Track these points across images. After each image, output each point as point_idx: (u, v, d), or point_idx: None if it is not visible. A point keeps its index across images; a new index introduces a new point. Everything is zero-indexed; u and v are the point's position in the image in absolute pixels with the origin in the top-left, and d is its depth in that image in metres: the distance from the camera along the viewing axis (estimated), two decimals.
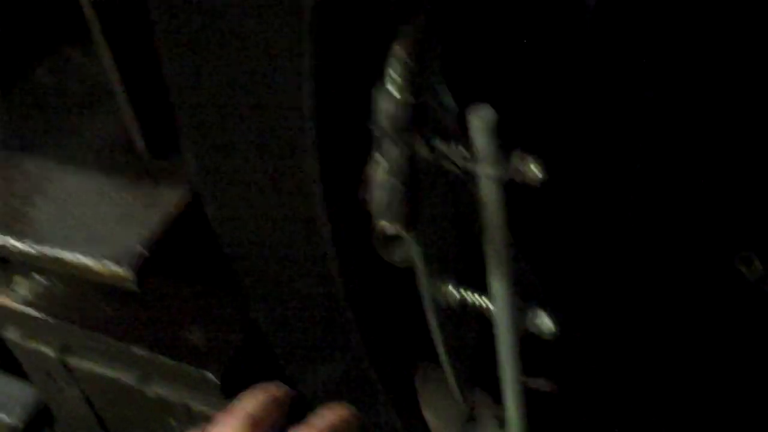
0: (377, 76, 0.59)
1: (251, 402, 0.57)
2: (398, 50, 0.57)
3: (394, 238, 0.60)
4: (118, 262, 0.76)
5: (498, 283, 0.69)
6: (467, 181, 0.64)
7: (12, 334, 1.05)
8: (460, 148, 0.61)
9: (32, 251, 0.81)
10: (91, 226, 0.80)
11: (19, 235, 0.82)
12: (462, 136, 0.61)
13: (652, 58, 0.89)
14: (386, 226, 0.58)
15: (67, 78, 1.00)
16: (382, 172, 0.58)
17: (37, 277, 1.01)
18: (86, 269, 0.78)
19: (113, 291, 0.97)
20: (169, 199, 0.80)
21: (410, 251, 0.63)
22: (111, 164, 0.86)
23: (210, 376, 0.86)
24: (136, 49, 0.71)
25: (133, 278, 0.75)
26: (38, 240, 0.81)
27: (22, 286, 1.01)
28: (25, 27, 1.04)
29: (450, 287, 0.76)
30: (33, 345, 1.03)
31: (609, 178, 0.93)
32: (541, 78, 0.83)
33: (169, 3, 0.62)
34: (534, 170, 0.60)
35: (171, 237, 0.79)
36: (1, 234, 0.83)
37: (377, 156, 0.59)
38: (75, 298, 0.98)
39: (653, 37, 0.86)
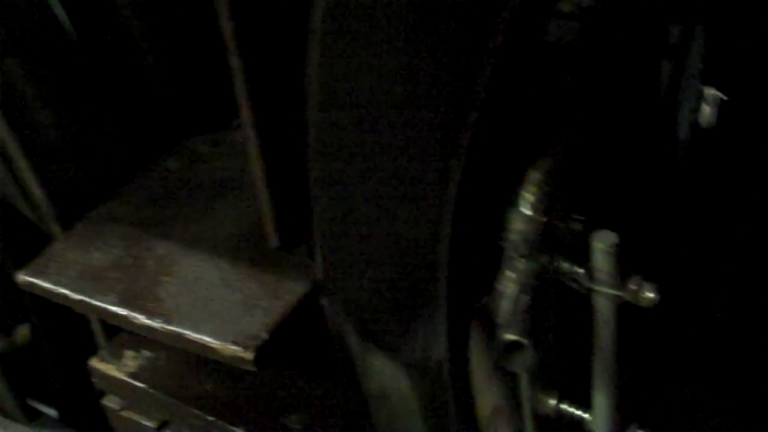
0: (510, 199, 0.65)
1: None
2: (535, 176, 0.63)
3: (516, 348, 0.64)
4: (239, 344, 0.82)
5: (601, 398, 0.73)
6: (583, 300, 0.69)
7: (113, 404, 1.10)
8: (581, 268, 0.66)
9: (158, 327, 0.87)
10: (214, 309, 0.87)
11: (147, 313, 0.89)
12: (584, 257, 0.66)
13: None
14: (510, 336, 0.63)
15: (195, 169, 1.09)
16: (510, 285, 0.63)
17: (146, 352, 1.07)
18: (209, 349, 0.83)
19: (216, 370, 1.03)
20: (290, 289, 0.86)
21: (528, 360, 0.67)
22: (235, 253, 0.93)
23: None
24: (282, 148, 0.78)
25: (252, 359, 0.81)
26: (165, 318, 0.87)
27: (131, 360, 1.07)
28: (156, 119, 1.15)
29: (550, 398, 0.79)
30: (132, 416, 1.08)
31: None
32: (647, 206, 0.88)
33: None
34: (650, 294, 0.64)
35: (288, 325, 0.84)
36: (131, 310, 0.90)
37: (506, 271, 0.64)
38: (179, 373, 1.03)
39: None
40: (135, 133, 1.13)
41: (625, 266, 0.67)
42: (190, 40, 1.11)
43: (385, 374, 0.80)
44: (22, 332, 1.30)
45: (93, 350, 1.12)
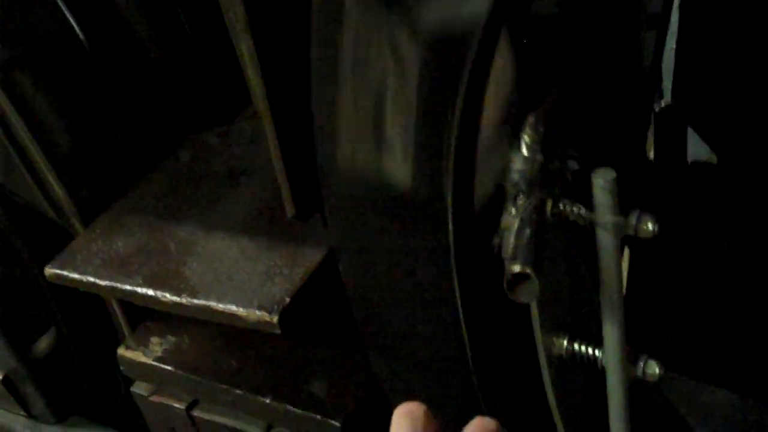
0: (512, 141, 0.70)
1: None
2: (532, 119, 0.68)
3: (522, 280, 0.69)
4: (264, 309, 0.86)
5: (611, 330, 0.77)
6: (586, 234, 0.74)
7: (141, 390, 1.15)
8: (582, 206, 0.71)
9: (185, 302, 0.92)
10: (237, 281, 0.91)
11: (174, 290, 0.93)
12: (582, 195, 0.71)
13: None
14: (516, 266, 0.67)
15: (207, 160, 1.14)
16: (514, 221, 0.68)
17: (170, 337, 1.11)
18: (235, 317, 0.88)
19: (240, 346, 1.08)
20: (308, 257, 0.91)
21: (536, 291, 0.71)
22: (253, 229, 0.97)
23: (333, 423, 0.94)
24: (294, 125, 0.83)
25: (277, 323, 0.85)
26: (191, 293, 0.92)
27: (157, 346, 1.11)
28: (166, 114, 1.20)
29: (562, 338, 0.84)
30: (161, 399, 1.13)
31: None
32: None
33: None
34: (650, 225, 0.69)
35: (308, 291, 0.89)
36: (157, 289, 0.94)
37: (510, 208, 0.69)
38: (204, 353, 1.08)
39: None
40: (146, 129, 1.18)
41: (624, 202, 0.71)
42: (195, 34, 1.16)
43: None
44: (48, 340, 1.35)
45: (117, 347, 1.17)
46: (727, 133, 1.35)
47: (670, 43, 1.46)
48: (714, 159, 1.43)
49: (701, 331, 1.28)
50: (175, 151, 1.17)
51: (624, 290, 1.20)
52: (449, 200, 0.74)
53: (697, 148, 1.46)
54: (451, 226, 0.74)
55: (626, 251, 1.33)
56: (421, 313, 0.83)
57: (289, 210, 0.88)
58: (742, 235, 1.30)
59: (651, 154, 1.44)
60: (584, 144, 0.89)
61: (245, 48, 0.79)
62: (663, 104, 1.38)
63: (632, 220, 0.70)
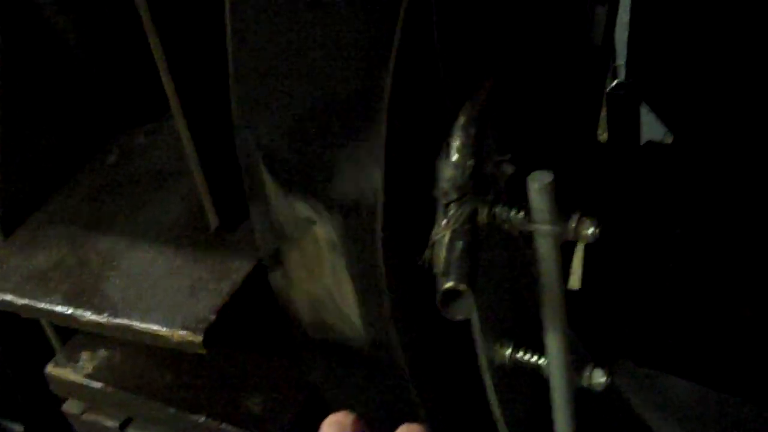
0: (439, 149, 0.64)
1: None
2: (461, 121, 0.62)
3: (456, 296, 0.63)
4: (188, 328, 0.80)
5: (553, 338, 0.73)
6: (524, 242, 0.69)
7: (73, 409, 1.08)
8: (519, 211, 0.66)
9: (105, 322, 0.86)
10: (161, 297, 0.85)
11: (95, 309, 0.87)
12: (520, 199, 0.66)
13: None
14: (449, 282, 0.62)
15: (133, 161, 1.07)
16: (444, 233, 0.63)
17: (102, 352, 1.05)
18: (158, 337, 0.82)
19: (173, 361, 1.02)
20: (236, 269, 0.85)
21: (471, 308, 0.66)
22: (178, 240, 0.91)
23: None
24: (212, 130, 0.77)
25: (201, 343, 0.80)
26: (112, 312, 0.86)
27: (87, 362, 1.05)
28: (91, 115, 1.12)
29: (506, 347, 0.79)
30: (94, 418, 1.06)
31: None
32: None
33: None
34: (590, 230, 0.64)
35: (235, 305, 0.83)
36: (76, 308, 0.88)
37: (440, 219, 0.63)
38: (137, 369, 1.02)
39: None
40: (71, 133, 1.11)
41: (564, 205, 0.66)
42: (118, 32, 1.09)
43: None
44: None
45: (51, 358, 1.10)
46: (685, 111, 1.31)
47: (624, 17, 1.41)
48: (669, 139, 1.39)
49: (658, 320, 1.25)
50: (101, 153, 1.10)
51: (578, 285, 1.16)
52: (379, 214, 0.68)
53: (652, 128, 1.42)
54: (379, 246, 0.69)
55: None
56: (356, 318, 0.79)
57: (213, 221, 0.82)
58: (697, 219, 1.26)
59: (604, 137, 1.39)
60: (528, 136, 0.84)
61: (153, 44, 0.74)
62: (615, 84, 1.34)
63: (572, 224, 0.65)
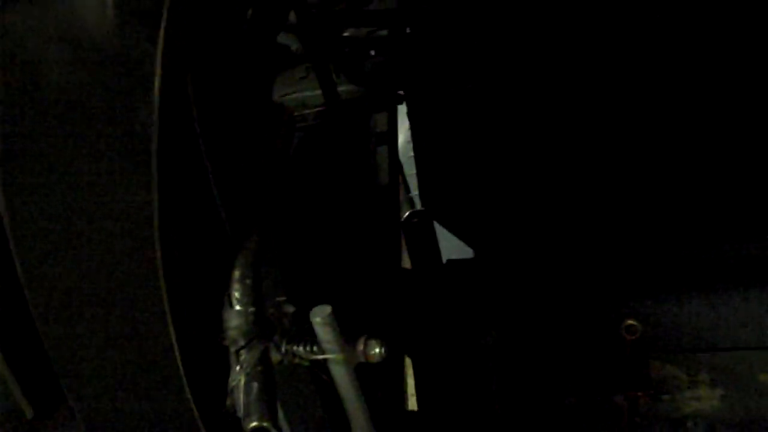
0: (223, 300, 0.70)
1: None
2: (236, 274, 0.69)
3: None
4: None
5: None
6: (320, 371, 0.75)
7: None
8: (307, 345, 0.72)
9: None
10: None
11: None
12: (307, 334, 0.72)
13: None
14: (252, 422, 0.66)
15: None
16: (239, 378, 0.68)
17: None
18: None
19: None
20: None
21: None
22: None
23: None
24: (15, 329, 0.79)
25: None
26: None
27: None
28: None
29: None
30: None
31: None
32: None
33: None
34: (376, 350, 0.71)
35: None
36: None
37: (235, 365, 0.69)
38: None
39: None
40: None
41: (348, 331, 0.73)
42: None
43: None
44: None
45: None
46: (477, 225, 1.45)
47: (409, 151, 1.55)
48: (469, 254, 1.52)
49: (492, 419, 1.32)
50: None
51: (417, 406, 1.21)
52: (180, 367, 0.72)
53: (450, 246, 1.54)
54: (188, 392, 0.73)
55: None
56: None
57: (28, 412, 0.82)
58: (508, 321, 1.37)
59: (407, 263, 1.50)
60: (320, 271, 0.91)
61: None
62: (408, 213, 1.46)
63: (360, 347, 0.72)
